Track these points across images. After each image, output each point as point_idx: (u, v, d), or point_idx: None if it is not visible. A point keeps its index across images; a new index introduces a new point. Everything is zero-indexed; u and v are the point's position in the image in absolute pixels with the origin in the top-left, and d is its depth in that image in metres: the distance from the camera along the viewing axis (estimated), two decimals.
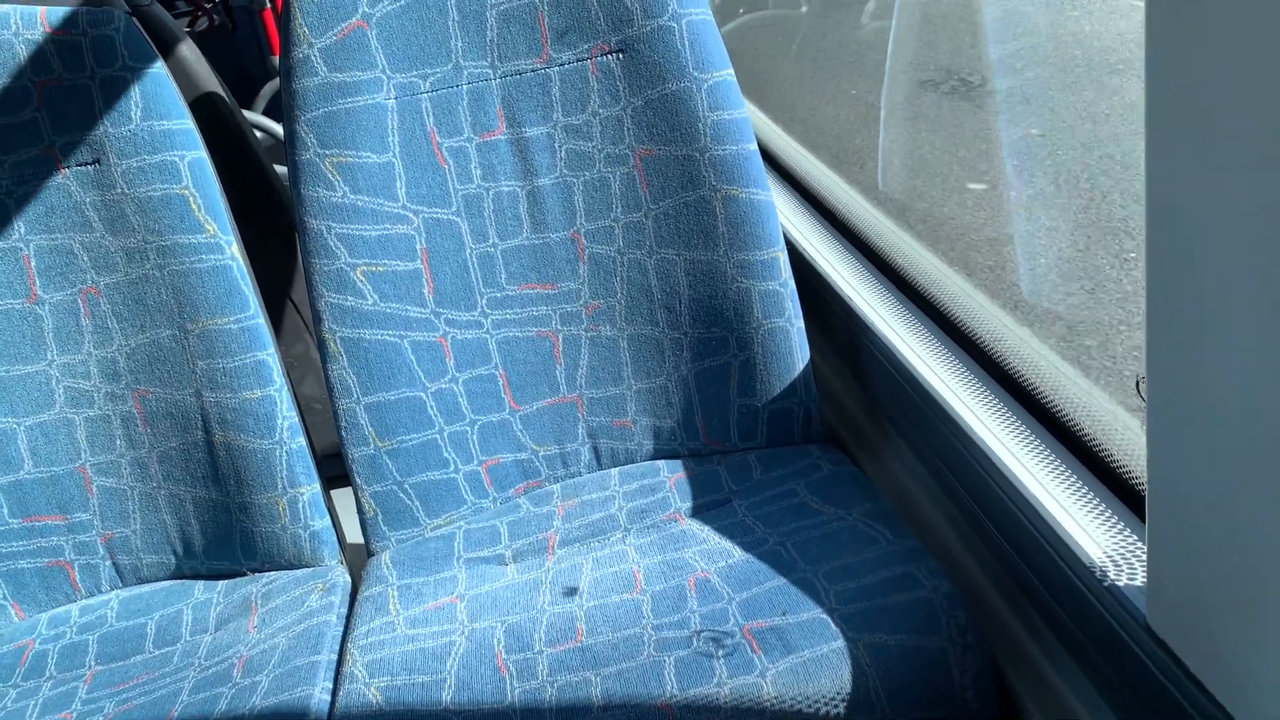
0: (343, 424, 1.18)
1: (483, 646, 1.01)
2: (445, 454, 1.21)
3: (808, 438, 1.24)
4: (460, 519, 1.23)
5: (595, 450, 1.27)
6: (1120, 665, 0.76)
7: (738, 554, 1.07)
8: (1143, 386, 0.70)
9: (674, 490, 1.19)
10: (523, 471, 1.26)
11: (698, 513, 1.16)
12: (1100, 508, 0.85)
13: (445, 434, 1.21)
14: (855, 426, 1.29)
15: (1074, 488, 0.88)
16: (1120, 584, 0.76)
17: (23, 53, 1.15)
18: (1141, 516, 0.83)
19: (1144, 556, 0.79)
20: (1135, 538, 0.81)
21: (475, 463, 1.23)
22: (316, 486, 1.19)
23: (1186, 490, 0.66)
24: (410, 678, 0.98)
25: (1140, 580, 0.76)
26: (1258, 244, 0.55)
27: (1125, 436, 0.90)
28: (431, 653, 1.01)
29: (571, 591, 1.05)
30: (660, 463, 1.25)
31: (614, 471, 1.26)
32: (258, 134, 1.84)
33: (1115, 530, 0.82)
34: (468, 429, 1.22)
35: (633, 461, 1.27)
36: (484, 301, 1.23)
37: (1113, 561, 0.79)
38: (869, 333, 1.18)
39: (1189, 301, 0.62)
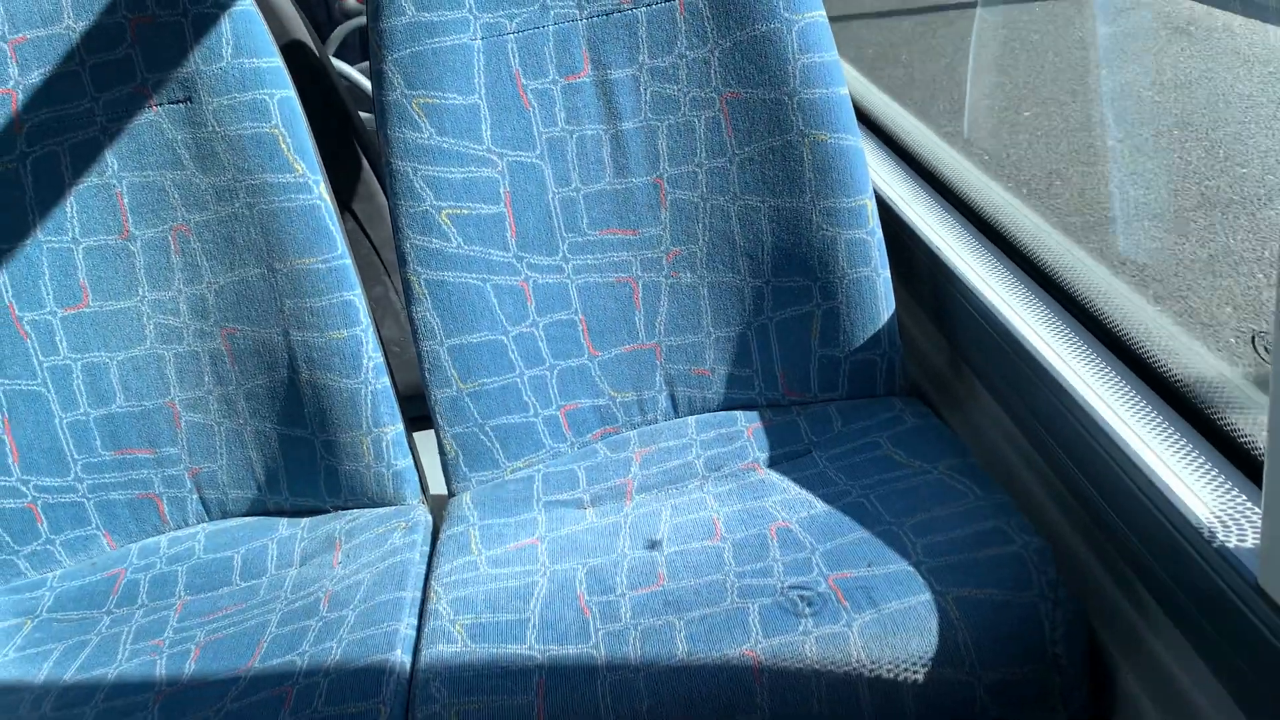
0: (426, 365, 1.19)
1: (565, 588, 1.01)
2: (525, 397, 1.21)
3: (890, 390, 1.22)
4: (539, 462, 1.23)
5: (673, 398, 1.27)
6: (1225, 626, 0.75)
7: (819, 505, 1.06)
8: (1259, 342, 0.68)
9: (752, 440, 1.19)
10: (600, 417, 1.26)
11: (776, 463, 1.15)
12: (1206, 466, 0.83)
13: (525, 378, 1.21)
14: (940, 379, 1.27)
15: (1175, 443, 0.86)
16: (1229, 544, 0.74)
17: None
18: (1249, 476, 0.81)
19: (1254, 517, 0.76)
20: (1244, 497, 0.79)
21: (554, 407, 1.23)
22: (400, 426, 1.21)
23: None
24: (494, 615, 0.99)
25: (1251, 541, 0.74)
26: None
27: (1231, 392, 0.87)
28: (514, 592, 1.02)
29: (654, 544, 1.05)
30: (738, 412, 1.25)
31: (691, 420, 1.26)
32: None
33: (1222, 490, 0.80)
34: (547, 373, 1.22)
35: (710, 410, 1.27)
36: (565, 246, 1.22)
37: (1221, 522, 0.77)
38: (956, 282, 1.16)
39: None
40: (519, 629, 0.97)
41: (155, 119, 1.17)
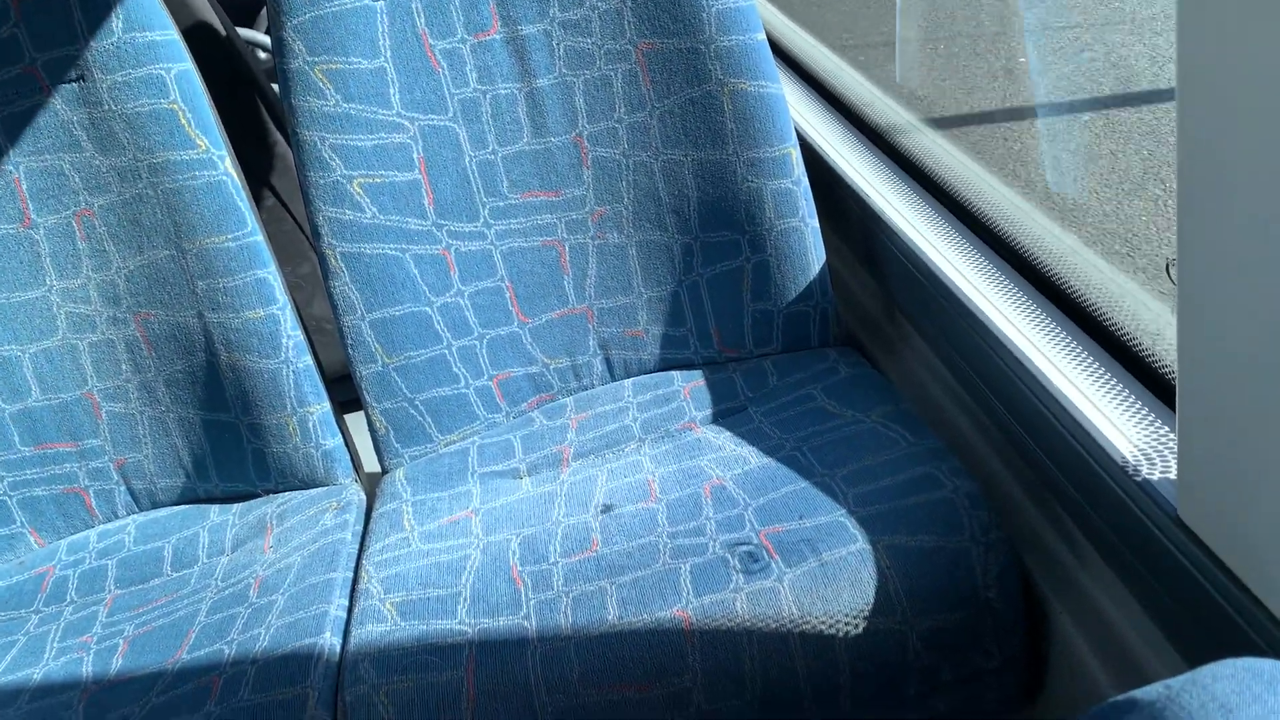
0: (349, 341, 1.15)
1: (498, 559, 0.99)
2: (455, 369, 1.19)
3: (825, 341, 1.20)
4: (473, 434, 1.21)
5: (608, 361, 1.24)
6: (1149, 559, 0.74)
7: (754, 460, 1.04)
8: (1173, 270, 0.66)
9: (689, 399, 1.17)
10: (534, 385, 1.23)
11: (713, 421, 1.13)
12: (1130, 400, 0.81)
13: (454, 349, 1.18)
14: (874, 327, 1.26)
15: (1102, 380, 0.84)
16: (1153, 479, 0.73)
17: None
18: (1173, 408, 0.80)
19: (1175, 448, 0.75)
20: (1166, 429, 0.77)
21: (486, 377, 1.20)
22: (326, 405, 1.18)
23: (1218, 378, 0.62)
24: (425, 592, 0.97)
25: (1171, 473, 0.73)
26: None
27: (1154, 324, 0.86)
28: (447, 566, 1.00)
29: (608, 508, 1.03)
30: (674, 372, 1.23)
31: (627, 382, 1.23)
32: (261, 54, 1.78)
33: (1145, 423, 0.79)
34: (476, 343, 1.20)
35: (646, 372, 1.24)
36: (486, 211, 1.19)
37: (1145, 456, 0.75)
38: (885, 229, 1.14)
39: (1221, 182, 0.57)
40: (450, 604, 0.95)
41: (49, 100, 1.12)
